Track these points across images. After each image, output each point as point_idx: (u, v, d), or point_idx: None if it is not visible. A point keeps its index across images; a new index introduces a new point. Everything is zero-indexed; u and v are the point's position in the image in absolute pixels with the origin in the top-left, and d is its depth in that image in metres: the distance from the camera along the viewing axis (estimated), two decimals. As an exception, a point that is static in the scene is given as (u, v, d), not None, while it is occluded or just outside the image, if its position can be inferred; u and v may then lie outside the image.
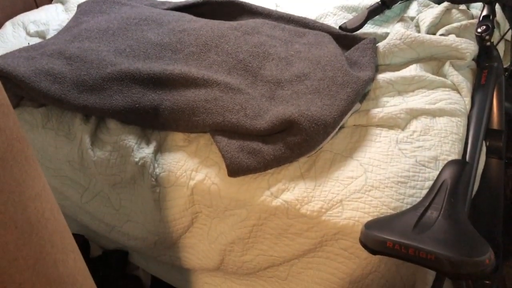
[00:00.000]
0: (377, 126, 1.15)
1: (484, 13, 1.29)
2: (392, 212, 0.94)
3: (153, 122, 1.21)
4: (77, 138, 1.25)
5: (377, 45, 1.37)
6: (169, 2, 1.75)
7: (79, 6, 1.71)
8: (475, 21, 1.36)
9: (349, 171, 1.04)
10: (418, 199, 0.94)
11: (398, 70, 1.32)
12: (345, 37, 1.43)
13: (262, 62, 1.30)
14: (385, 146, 1.08)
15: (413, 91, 1.24)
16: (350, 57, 1.33)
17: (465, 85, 1.21)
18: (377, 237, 0.78)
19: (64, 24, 1.73)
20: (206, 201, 1.12)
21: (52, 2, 2.11)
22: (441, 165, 1.03)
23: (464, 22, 1.38)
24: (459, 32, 1.36)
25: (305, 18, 1.53)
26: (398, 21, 1.49)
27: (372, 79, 1.25)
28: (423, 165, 1.03)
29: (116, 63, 1.31)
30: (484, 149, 1.14)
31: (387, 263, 0.95)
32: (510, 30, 1.42)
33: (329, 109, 1.11)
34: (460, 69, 1.28)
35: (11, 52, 1.40)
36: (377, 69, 1.34)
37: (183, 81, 1.24)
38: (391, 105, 1.20)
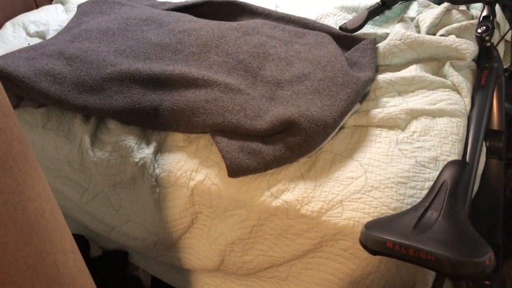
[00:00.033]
0: (377, 126, 1.15)
1: (484, 13, 1.29)
2: (392, 212, 0.94)
3: (153, 123, 1.21)
4: (77, 138, 1.25)
5: (377, 45, 1.37)
6: (169, 3, 1.75)
7: (79, 6, 1.71)
8: (475, 21, 1.36)
9: (349, 171, 1.04)
10: (418, 200, 0.94)
11: (398, 70, 1.32)
12: (345, 38, 1.43)
13: (262, 62, 1.30)
14: (385, 147, 1.08)
15: (413, 91, 1.24)
16: (350, 58, 1.33)
17: (465, 86, 1.21)
18: (377, 238, 0.77)
19: (64, 24, 1.73)
20: (206, 202, 1.12)
21: (52, 2, 2.11)
22: (441, 165, 1.03)
23: (464, 23, 1.38)
24: (459, 33, 1.36)
25: (305, 19, 1.53)
26: (398, 22, 1.49)
27: (372, 79, 1.25)
28: (423, 166, 1.03)
29: (116, 63, 1.31)
30: (484, 149, 1.14)
31: (387, 263, 0.95)
32: (510, 31, 1.42)
33: (329, 109, 1.11)
34: (460, 70, 1.28)
35: (11, 53, 1.40)
36: (377, 70, 1.34)
37: (183, 82, 1.24)
38: (391, 106, 1.20)
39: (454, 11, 1.44)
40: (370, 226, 0.82)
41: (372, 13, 1.44)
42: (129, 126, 1.25)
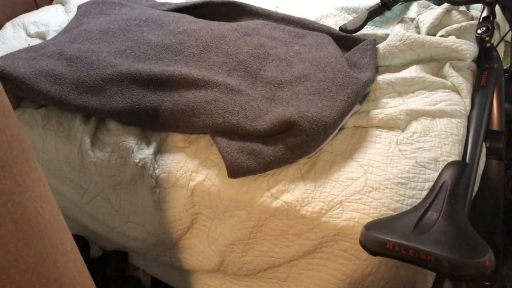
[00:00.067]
0: (377, 127, 1.15)
1: (484, 14, 1.29)
2: (392, 213, 0.94)
3: (153, 123, 1.21)
4: (77, 139, 1.25)
5: (377, 46, 1.37)
6: (169, 3, 1.75)
7: (79, 7, 1.71)
8: (475, 22, 1.36)
9: (349, 172, 1.04)
10: (418, 200, 0.94)
11: (398, 71, 1.32)
12: (345, 38, 1.43)
13: (262, 63, 1.30)
14: (385, 147, 1.08)
15: (413, 92, 1.24)
16: (350, 58, 1.33)
17: (465, 86, 1.21)
18: (377, 238, 0.78)
19: (64, 25, 1.73)
20: (206, 202, 1.12)
21: (52, 3, 2.11)
22: (441, 166, 1.03)
23: (464, 24, 1.38)
24: (459, 34, 1.36)
25: (305, 19, 1.53)
26: (398, 22, 1.49)
27: (372, 80, 1.25)
28: (423, 166, 1.03)
29: (116, 64, 1.31)
30: (484, 150, 1.14)
31: (387, 264, 0.95)
32: (510, 32, 1.42)
33: (329, 110, 1.12)
34: (460, 71, 1.28)
35: (11, 53, 1.40)
36: (377, 70, 1.34)
37: (183, 82, 1.24)
38: (391, 106, 1.20)
39: (454, 12, 1.44)
40: (370, 227, 0.82)
41: (372, 14, 1.44)
42: (129, 126, 1.25)
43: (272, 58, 1.32)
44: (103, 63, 1.31)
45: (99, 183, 1.25)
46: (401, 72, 1.30)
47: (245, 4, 1.63)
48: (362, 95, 1.20)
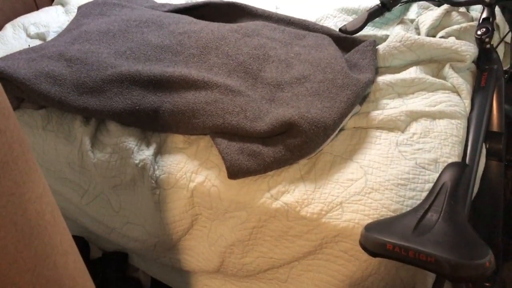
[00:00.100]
0: (377, 128, 1.15)
1: (484, 15, 1.29)
2: (392, 214, 0.94)
3: (153, 124, 1.21)
4: (77, 140, 1.25)
5: (377, 47, 1.37)
6: (169, 4, 1.76)
7: (79, 8, 1.71)
8: (475, 23, 1.36)
9: (349, 173, 1.04)
10: (418, 202, 0.94)
11: (398, 72, 1.32)
12: (345, 39, 1.43)
13: (262, 64, 1.30)
14: (385, 148, 1.09)
15: (413, 93, 1.24)
16: (350, 59, 1.33)
17: (465, 87, 1.21)
18: (377, 240, 0.77)
19: (65, 26, 1.73)
20: (206, 203, 1.12)
21: (53, 4, 2.11)
22: (441, 167, 1.03)
23: (464, 25, 1.38)
24: (459, 35, 1.36)
25: (305, 21, 1.53)
26: (398, 24, 1.49)
27: (372, 81, 1.26)
28: (423, 168, 1.03)
29: (116, 65, 1.31)
30: (484, 151, 1.14)
31: (387, 265, 0.95)
32: (510, 33, 1.42)
33: (329, 111, 1.12)
34: (460, 72, 1.28)
35: (11, 54, 1.40)
36: (377, 72, 1.34)
37: (183, 83, 1.24)
38: (391, 107, 1.20)
39: (454, 13, 1.44)
40: (370, 228, 0.82)
41: (372, 15, 1.44)
42: (129, 127, 1.25)
43: (272, 59, 1.32)
44: (103, 64, 1.31)
45: (99, 184, 1.25)
46: (401, 73, 1.31)
47: (245, 5, 1.63)
48: (362, 96, 1.20)
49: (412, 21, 1.51)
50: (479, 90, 1.22)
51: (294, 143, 1.06)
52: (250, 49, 1.35)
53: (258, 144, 1.10)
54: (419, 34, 1.44)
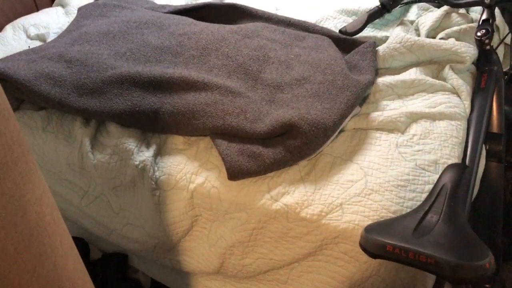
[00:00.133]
0: (377, 129, 1.15)
1: (484, 17, 1.29)
2: (392, 215, 0.94)
3: (153, 125, 1.21)
4: (77, 141, 1.25)
5: (377, 48, 1.37)
6: (170, 6, 1.76)
7: (79, 9, 1.71)
8: (475, 25, 1.36)
9: (349, 174, 1.04)
10: (418, 203, 0.94)
11: (398, 73, 1.32)
12: (345, 41, 1.44)
13: (262, 65, 1.31)
14: (385, 150, 1.09)
15: (413, 94, 1.24)
16: (350, 61, 1.33)
17: (465, 89, 1.21)
18: (377, 241, 0.77)
19: (65, 27, 1.73)
20: (206, 205, 1.12)
21: (53, 5, 2.11)
22: (441, 168, 1.03)
23: (463, 26, 1.38)
24: (459, 36, 1.36)
25: (305, 22, 1.53)
26: (398, 25, 1.49)
27: (372, 82, 1.26)
28: (423, 169, 1.03)
29: (117, 66, 1.31)
30: (484, 152, 1.14)
31: (387, 266, 0.95)
32: (510, 34, 1.42)
33: (329, 112, 1.12)
34: (460, 73, 1.28)
35: (11, 55, 1.41)
36: (377, 73, 1.34)
37: (183, 85, 1.24)
38: (391, 109, 1.20)
39: (453, 14, 1.44)
40: (370, 229, 0.82)
41: (372, 16, 1.44)
42: (129, 129, 1.25)
43: (272, 61, 1.32)
44: (103, 65, 1.31)
45: (99, 185, 1.25)
46: (401, 74, 1.31)
47: (245, 6, 1.63)
48: (362, 97, 1.20)
49: (412, 22, 1.51)
50: (479, 91, 1.22)
51: (294, 145, 1.06)
52: (250, 51, 1.35)
53: (258, 145, 1.10)
54: (419, 35, 1.44)
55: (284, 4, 1.77)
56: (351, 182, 1.02)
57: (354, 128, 1.18)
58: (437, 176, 0.99)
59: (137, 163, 1.17)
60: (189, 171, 1.14)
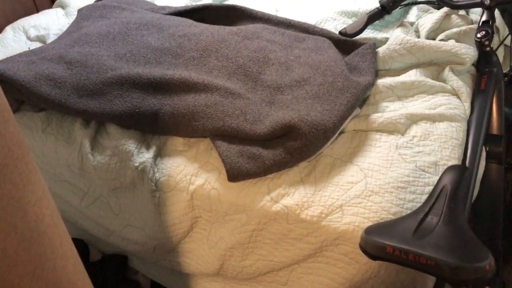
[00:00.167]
0: (377, 131, 1.15)
1: (484, 18, 1.29)
2: (392, 217, 0.94)
3: (153, 127, 1.21)
4: (77, 142, 1.25)
5: (376, 50, 1.37)
6: (170, 7, 1.76)
7: (79, 10, 1.72)
8: (475, 26, 1.37)
9: (349, 176, 1.04)
10: (418, 205, 0.94)
11: (398, 75, 1.32)
12: (345, 42, 1.44)
13: (262, 67, 1.31)
14: (385, 151, 1.08)
15: (412, 96, 1.24)
16: (349, 62, 1.33)
17: (465, 90, 1.21)
18: (377, 243, 0.77)
19: (65, 28, 1.73)
20: (206, 206, 1.12)
21: (53, 6, 2.11)
22: (441, 170, 1.03)
23: (463, 28, 1.38)
24: (459, 38, 1.37)
25: (305, 23, 1.53)
26: (398, 26, 1.49)
27: (372, 84, 1.26)
28: (423, 170, 1.03)
29: (116, 67, 1.31)
30: (484, 154, 1.14)
31: (387, 268, 0.95)
32: (510, 36, 1.42)
33: (329, 114, 1.12)
34: (460, 74, 1.28)
35: (11, 57, 1.41)
36: (377, 74, 1.34)
37: (183, 86, 1.24)
38: (391, 110, 1.20)
39: (453, 16, 1.44)
40: (370, 231, 0.82)
41: (372, 18, 1.44)
42: (129, 130, 1.25)
43: (272, 62, 1.32)
44: (103, 67, 1.31)
45: (99, 187, 1.24)
46: (400, 76, 1.31)
47: (245, 8, 1.63)
48: (362, 99, 1.20)
49: (412, 24, 1.51)
50: (479, 93, 1.22)
51: (294, 146, 1.06)
52: (250, 52, 1.35)
53: (258, 147, 1.10)
54: (419, 37, 1.44)
55: (284, 5, 1.78)
56: (351, 184, 1.02)
57: (354, 130, 1.18)
58: (437, 177, 0.99)
59: (137, 164, 1.17)
60: (189, 173, 1.14)
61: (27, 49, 1.58)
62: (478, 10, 1.47)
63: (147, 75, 1.26)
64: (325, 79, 1.23)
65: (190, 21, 1.57)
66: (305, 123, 1.07)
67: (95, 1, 1.84)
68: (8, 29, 1.86)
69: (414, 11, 1.57)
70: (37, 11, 2.12)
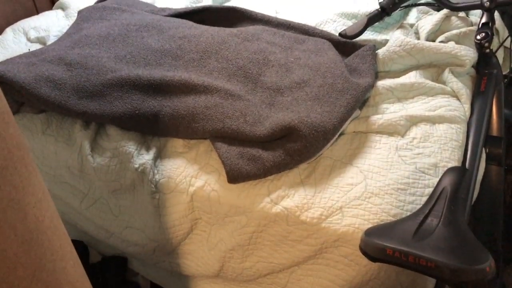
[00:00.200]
0: (377, 132, 1.15)
1: (483, 20, 1.29)
2: (392, 219, 0.94)
3: (153, 129, 1.21)
4: (77, 144, 1.25)
5: (376, 52, 1.37)
6: (170, 9, 1.76)
7: (79, 12, 1.72)
8: (475, 28, 1.37)
9: (349, 177, 1.04)
10: (418, 206, 0.93)
11: (398, 77, 1.32)
12: (345, 44, 1.44)
13: (262, 68, 1.31)
14: (385, 153, 1.08)
15: (412, 98, 1.24)
16: (349, 64, 1.33)
17: (465, 92, 1.21)
18: (377, 244, 0.77)
19: (65, 30, 1.73)
20: (205, 208, 1.12)
21: (53, 8, 2.11)
22: (441, 172, 1.03)
23: (463, 29, 1.38)
24: (459, 39, 1.37)
25: (304, 25, 1.53)
26: (398, 28, 1.49)
27: (372, 86, 1.26)
28: (423, 172, 1.03)
29: (116, 69, 1.31)
30: (483, 156, 1.14)
31: (387, 270, 0.95)
32: (509, 37, 1.42)
33: (329, 115, 1.12)
34: (460, 76, 1.28)
35: (11, 58, 1.41)
36: (377, 76, 1.34)
37: (183, 88, 1.24)
38: (390, 112, 1.20)
39: (453, 18, 1.44)
40: (370, 232, 0.81)
41: (372, 20, 1.44)
42: (129, 132, 1.25)
43: (272, 64, 1.32)
44: (103, 68, 1.31)
45: (99, 188, 1.24)
46: (400, 77, 1.31)
47: (245, 9, 1.64)
48: (361, 100, 1.20)
49: (411, 25, 1.51)
50: (478, 94, 1.22)
51: (294, 148, 1.06)
52: (250, 54, 1.35)
53: (258, 148, 1.10)
54: (418, 38, 1.44)
55: (284, 7, 1.78)
56: (351, 186, 1.02)
57: (354, 131, 1.18)
58: (437, 179, 0.99)
59: (137, 166, 1.17)
60: (189, 174, 1.14)
61: (27, 51, 1.57)
62: (478, 12, 1.48)
63: (147, 76, 1.26)
64: (325, 81, 1.23)
65: (190, 23, 1.57)
66: (305, 125, 1.07)
67: (95, 3, 1.84)
68: (8, 30, 1.86)
69: (414, 13, 1.57)
70: (37, 12, 2.12)
